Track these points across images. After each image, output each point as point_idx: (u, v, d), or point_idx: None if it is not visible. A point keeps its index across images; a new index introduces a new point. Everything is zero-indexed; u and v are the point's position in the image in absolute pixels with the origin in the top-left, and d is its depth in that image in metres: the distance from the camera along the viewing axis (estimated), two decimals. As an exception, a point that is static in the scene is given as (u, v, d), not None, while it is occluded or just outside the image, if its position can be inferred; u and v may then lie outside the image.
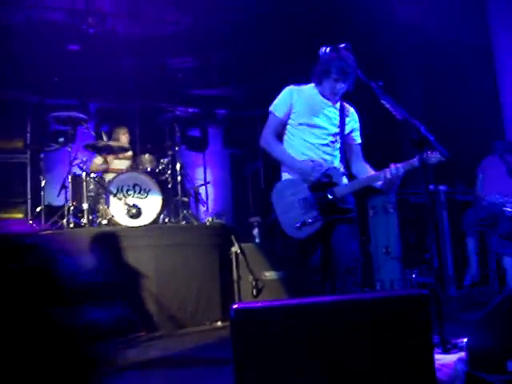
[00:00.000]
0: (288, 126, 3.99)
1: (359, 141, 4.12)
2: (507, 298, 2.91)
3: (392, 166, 3.69)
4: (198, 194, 7.84)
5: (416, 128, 3.22)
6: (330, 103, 3.99)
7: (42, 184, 6.99)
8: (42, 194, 6.98)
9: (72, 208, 6.57)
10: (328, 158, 3.94)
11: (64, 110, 7.16)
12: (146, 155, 7.18)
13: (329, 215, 3.75)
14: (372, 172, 3.94)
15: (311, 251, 3.85)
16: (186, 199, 7.36)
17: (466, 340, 3.19)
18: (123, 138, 7.53)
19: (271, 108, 4.01)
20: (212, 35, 8.34)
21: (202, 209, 8.02)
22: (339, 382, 2.18)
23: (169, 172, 7.13)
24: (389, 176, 3.68)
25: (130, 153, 7.53)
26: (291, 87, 4.02)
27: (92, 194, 6.69)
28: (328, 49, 3.70)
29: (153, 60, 9.02)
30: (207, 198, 8.07)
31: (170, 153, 7.29)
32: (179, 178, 7.21)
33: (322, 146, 3.93)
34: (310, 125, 3.92)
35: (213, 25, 8.16)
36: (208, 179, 8.41)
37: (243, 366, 2.17)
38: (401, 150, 8.24)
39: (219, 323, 6.31)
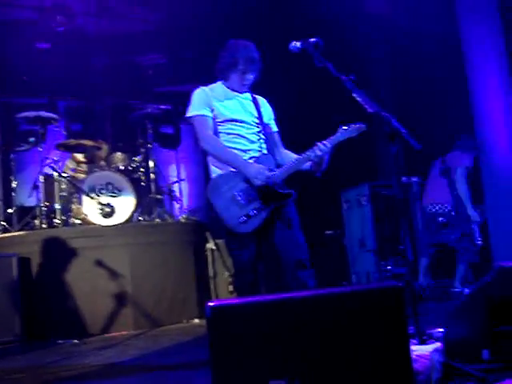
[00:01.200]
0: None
1: (276, 129, 4.09)
2: (481, 289, 2.94)
3: (319, 144, 3.67)
4: (171, 191, 7.80)
5: (387, 121, 3.23)
6: (242, 95, 3.96)
7: (14, 185, 6.90)
8: (14, 195, 6.89)
9: (44, 208, 6.50)
10: (257, 149, 3.89)
11: (33, 109, 7.05)
12: (119, 153, 7.12)
13: (271, 203, 3.67)
14: (292, 156, 3.92)
15: (248, 247, 3.71)
16: (159, 197, 7.31)
17: (441, 330, 3.22)
18: (103, 153, 7.42)
19: (194, 112, 3.84)
20: (182, 32, 8.30)
21: (177, 206, 7.98)
22: (316, 376, 2.18)
23: (142, 170, 7.09)
24: (319, 153, 3.63)
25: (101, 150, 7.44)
26: (202, 88, 3.92)
27: (64, 193, 6.62)
28: (298, 43, 3.69)
29: (123, 57, 8.95)
30: (181, 195, 8.03)
31: (142, 150, 7.24)
32: (152, 175, 7.16)
33: (250, 141, 3.89)
34: (234, 120, 3.86)
35: (182, 21, 8.12)
36: (182, 176, 8.36)
37: (220, 363, 2.16)
38: (375, 144, 8.30)
39: (196, 320, 6.30)
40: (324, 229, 8.27)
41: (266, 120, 4.02)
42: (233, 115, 3.87)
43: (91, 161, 7.14)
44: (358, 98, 3.36)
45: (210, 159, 3.88)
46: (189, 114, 3.87)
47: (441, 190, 6.58)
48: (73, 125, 7.95)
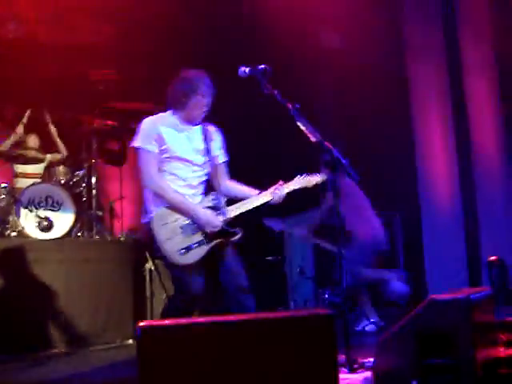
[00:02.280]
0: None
1: (224, 159, 4.08)
2: (411, 319, 2.99)
3: (275, 191, 3.78)
4: (112, 208, 7.71)
5: (329, 150, 3.29)
6: (193, 128, 3.93)
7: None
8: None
9: (-21, 219, 6.33)
10: (198, 194, 3.89)
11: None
12: (61, 167, 7.02)
13: (213, 238, 3.72)
14: (244, 188, 3.98)
15: (196, 277, 3.74)
16: (100, 213, 7.22)
17: (372, 360, 3.26)
18: (31, 144, 7.29)
19: (139, 144, 3.79)
20: (134, 49, 8.26)
21: (117, 224, 7.88)
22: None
23: (83, 185, 6.99)
24: (275, 199, 3.80)
25: (39, 169, 7.31)
26: (152, 119, 3.89)
27: (2, 204, 6.46)
28: (247, 69, 3.73)
29: (73, 70, 8.84)
30: (122, 213, 7.94)
31: (85, 165, 7.15)
32: (94, 191, 7.07)
33: (191, 186, 3.88)
34: (180, 159, 3.82)
35: (135, 39, 8.09)
36: (124, 194, 8.27)
37: (146, 382, 2.13)
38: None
39: (130, 341, 6.20)
40: (265, 254, 8.28)
41: (214, 153, 4.00)
42: (180, 154, 3.81)
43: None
44: (302, 127, 3.42)
45: (149, 195, 3.81)
46: (135, 145, 3.82)
47: None
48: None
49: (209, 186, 3.99)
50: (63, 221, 6.38)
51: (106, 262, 6.33)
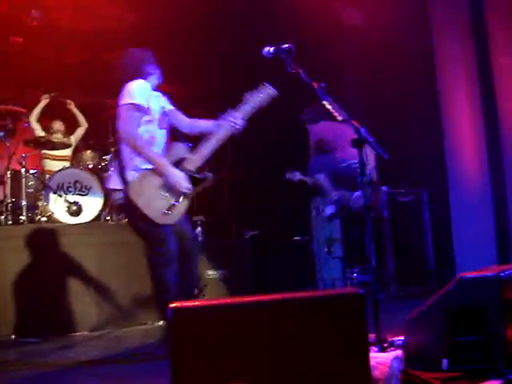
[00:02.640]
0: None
1: (173, 107, 4.50)
2: (441, 296, 2.98)
3: (230, 119, 4.11)
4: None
5: (356, 129, 3.27)
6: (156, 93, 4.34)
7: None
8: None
9: (10, 205, 6.41)
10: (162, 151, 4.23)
11: (3, 103, 6.97)
12: (88, 151, 7.08)
13: (190, 190, 4.02)
14: (202, 121, 4.43)
15: (173, 236, 4.04)
16: (128, 197, 7.26)
17: (402, 338, 3.26)
18: (59, 132, 7.37)
19: (133, 100, 4.04)
20: (156, 32, 8.26)
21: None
22: (275, 380, 2.19)
23: (111, 169, 7.03)
24: (239, 121, 4.12)
25: (67, 152, 7.38)
26: (142, 80, 4.21)
27: (31, 190, 6.55)
28: (271, 49, 3.71)
29: (97, 55, 8.87)
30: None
31: (112, 149, 7.19)
32: (122, 175, 7.11)
33: (163, 142, 4.27)
34: (153, 120, 4.19)
35: (155, 22, 8.09)
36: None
37: (179, 365, 2.15)
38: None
39: (161, 322, 6.26)
40: (293, 235, 8.29)
41: (167, 108, 4.40)
42: (156, 116, 4.19)
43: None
44: (328, 106, 3.40)
45: (127, 154, 4.05)
46: (129, 101, 4.04)
47: None
48: (43, 121, 7.84)
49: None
50: (92, 205, 6.45)
51: (134, 244, 6.32)
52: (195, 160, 4.03)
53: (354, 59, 8.74)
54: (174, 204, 3.93)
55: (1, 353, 4.87)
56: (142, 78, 4.22)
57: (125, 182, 3.96)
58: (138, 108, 4.04)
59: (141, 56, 4.37)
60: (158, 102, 4.33)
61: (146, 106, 4.09)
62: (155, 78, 4.35)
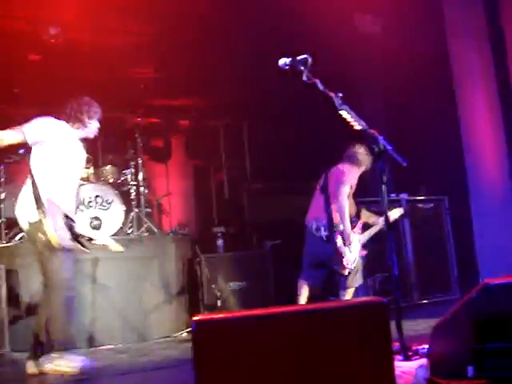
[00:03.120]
0: None
1: None
2: (466, 304, 2.96)
3: None
4: (160, 204, 7.80)
5: (374, 138, 3.26)
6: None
7: (2, 196, 6.87)
8: (2, 206, 6.85)
9: (32, 220, 6.47)
10: None
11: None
12: (108, 166, 7.12)
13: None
14: None
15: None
16: (148, 210, 7.31)
17: (426, 347, 3.24)
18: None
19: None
20: (174, 46, 8.32)
21: (165, 220, 7.97)
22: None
23: (131, 183, 7.08)
24: None
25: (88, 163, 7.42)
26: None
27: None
28: (288, 60, 3.73)
29: (114, 70, 8.96)
30: (170, 209, 8.03)
31: (132, 164, 7.24)
32: (142, 188, 7.16)
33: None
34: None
35: (173, 36, 8.14)
36: (171, 190, 8.36)
37: (203, 375, 2.16)
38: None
39: (184, 334, 6.28)
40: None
41: None
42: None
43: None
44: (346, 115, 3.40)
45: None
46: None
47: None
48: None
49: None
50: (113, 219, 6.49)
51: (156, 257, 6.42)
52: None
53: (371, 66, 8.73)
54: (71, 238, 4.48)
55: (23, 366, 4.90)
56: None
57: None
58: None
59: None
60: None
61: None
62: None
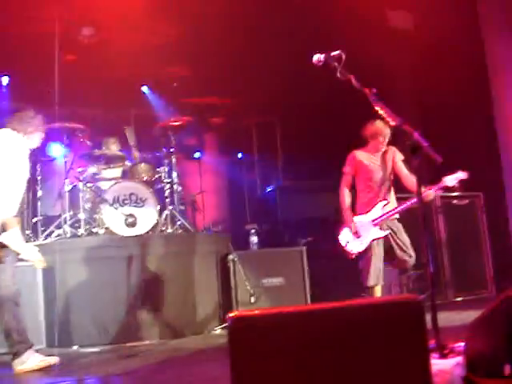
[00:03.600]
0: None
1: None
2: (503, 301, 2.92)
3: None
4: (194, 202, 7.84)
5: (409, 134, 3.24)
6: None
7: (39, 194, 6.98)
8: (39, 204, 6.97)
9: (69, 218, 6.57)
10: None
11: (59, 120, 7.14)
12: (142, 164, 7.18)
13: None
14: None
15: None
16: (182, 207, 7.35)
17: (463, 344, 3.21)
18: (113, 148, 7.52)
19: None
20: (205, 45, 8.36)
21: (199, 217, 8.01)
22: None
23: (165, 181, 7.12)
24: None
25: (118, 173, 7.51)
26: None
27: (88, 203, 6.69)
28: (322, 56, 3.72)
29: (147, 69, 9.04)
30: (204, 206, 8.07)
31: (166, 161, 7.28)
32: (175, 186, 7.20)
33: None
34: None
35: (205, 35, 8.18)
36: (204, 187, 8.40)
37: (241, 374, 2.17)
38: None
39: (217, 331, 6.31)
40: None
41: None
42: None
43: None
44: (381, 111, 3.38)
45: None
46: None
47: None
48: (98, 135, 8.01)
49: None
50: (147, 216, 6.54)
51: (190, 254, 6.46)
52: None
53: (405, 63, 8.67)
54: None
55: (62, 362, 4.98)
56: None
57: None
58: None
59: None
60: None
61: None
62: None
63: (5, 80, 8.71)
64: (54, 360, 4.70)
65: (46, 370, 4.60)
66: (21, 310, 4.68)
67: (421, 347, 2.27)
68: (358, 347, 2.23)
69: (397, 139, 5.41)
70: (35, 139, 4.79)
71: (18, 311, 4.62)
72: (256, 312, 2.32)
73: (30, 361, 4.57)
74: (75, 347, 5.75)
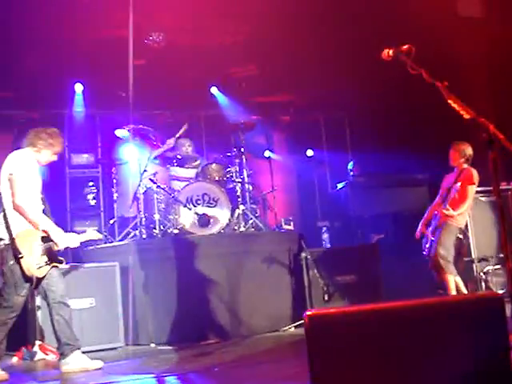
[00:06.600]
0: None
1: None
2: None
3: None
4: (265, 200, 7.87)
5: (484, 127, 3.16)
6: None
7: (114, 197, 7.16)
8: (115, 206, 7.15)
9: (144, 219, 6.72)
10: None
11: (132, 123, 7.31)
12: (213, 165, 7.24)
13: (52, 262, 4.73)
14: None
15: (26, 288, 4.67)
16: (254, 206, 7.39)
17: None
18: (188, 149, 7.62)
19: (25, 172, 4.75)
20: (271, 43, 8.37)
21: (271, 215, 8.04)
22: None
23: (236, 180, 7.17)
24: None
25: (192, 173, 7.61)
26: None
27: (162, 204, 6.82)
28: (391, 51, 3.67)
29: (215, 70, 9.12)
30: (275, 205, 8.08)
31: (236, 161, 7.32)
32: (247, 185, 7.25)
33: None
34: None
35: (271, 34, 8.18)
36: (275, 185, 8.43)
37: (319, 371, 2.18)
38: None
39: (292, 329, 6.32)
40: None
41: None
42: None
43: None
44: (453, 104, 3.30)
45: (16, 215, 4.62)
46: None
47: None
48: (169, 137, 8.15)
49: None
50: (220, 216, 6.62)
51: (263, 253, 6.49)
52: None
53: (474, 51, 8.44)
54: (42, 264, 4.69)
55: (140, 360, 5.10)
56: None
57: None
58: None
59: None
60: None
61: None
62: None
63: (79, 87, 8.94)
64: (99, 364, 4.82)
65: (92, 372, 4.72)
66: (70, 310, 4.83)
67: (502, 343, 2.24)
68: (438, 343, 2.21)
69: (470, 132, 5.28)
70: (44, 155, 4.94)
71: (66, 312, 4.78)
72: (333, 310, 2.32)
73: (74, 363, 4.72)
74: (152, 345, 5.89)
